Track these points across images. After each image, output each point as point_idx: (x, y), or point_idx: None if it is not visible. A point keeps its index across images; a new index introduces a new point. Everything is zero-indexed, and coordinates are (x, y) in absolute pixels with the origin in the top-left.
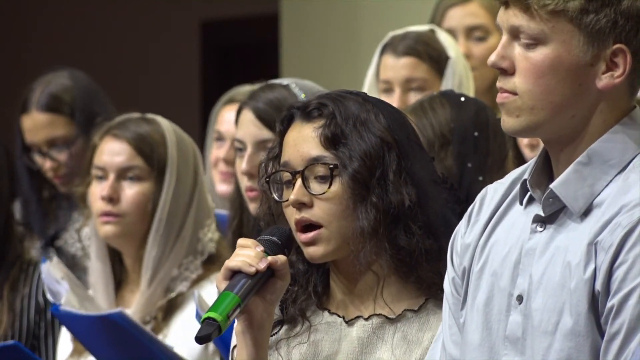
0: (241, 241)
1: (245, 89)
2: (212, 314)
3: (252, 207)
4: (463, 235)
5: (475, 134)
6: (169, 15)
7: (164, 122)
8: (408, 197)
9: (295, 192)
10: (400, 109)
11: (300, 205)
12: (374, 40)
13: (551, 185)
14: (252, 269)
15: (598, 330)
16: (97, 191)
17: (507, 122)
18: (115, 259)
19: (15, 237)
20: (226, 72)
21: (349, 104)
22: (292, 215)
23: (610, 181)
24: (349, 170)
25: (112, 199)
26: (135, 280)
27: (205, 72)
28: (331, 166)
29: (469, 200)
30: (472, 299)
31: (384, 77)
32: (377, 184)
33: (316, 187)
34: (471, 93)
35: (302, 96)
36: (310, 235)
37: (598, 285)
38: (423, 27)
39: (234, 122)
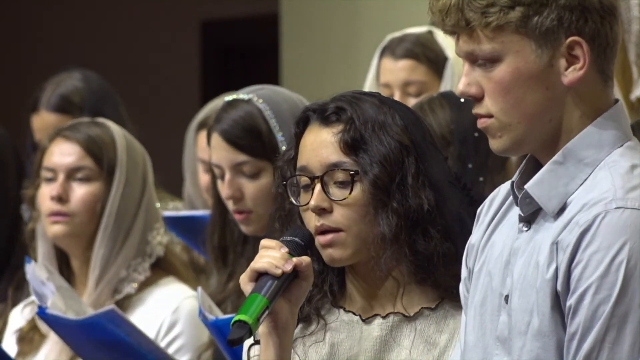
0: (265, 242)
1: (215, 108)
2: (242, 317)
3: (243, 228)
4: (472, 235)
5: (476, 134)
6: (169, 15)
7: (114, 127)
8: (427, 201)
9: (315, 198)
10: None
11: (320, 211)
12: (374, 40)
13: (526, 186)
14: (279, 271)
15: (563, 330)
16: (47, 192)
17: (494, 144)
18: (62, 262)
19: (22, 238)
20: (226, 72)
21: (366, 106)
22: (311, 220)
23: (585, 180)
24: (369, 176)
25: (62, 198)
26: (82, 282)
27: (205, 72)
28: (352, 172)
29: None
30: (471, 299)
31: (384, 80)
32: (397, 189)
33: (336, 192)
34: None
35: (267, 108)
36: (328, 237)
37: (559, 285)
38: (421, 29)
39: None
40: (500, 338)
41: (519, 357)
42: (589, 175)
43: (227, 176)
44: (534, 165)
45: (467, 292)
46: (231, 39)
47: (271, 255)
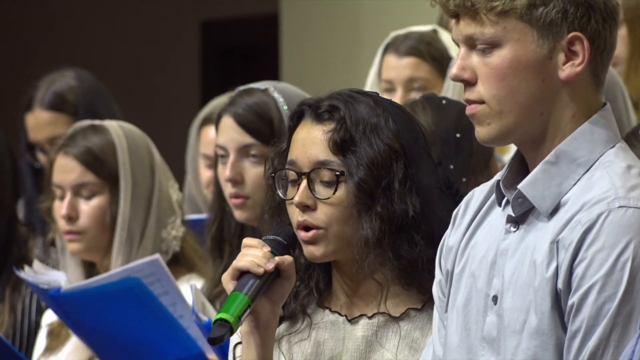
0: (247, 241)
1: (220, 104)
2: (224, 315)
3: (237, 213)
4: (448, 238)
5: (458, 135)
6: (169, 15)
7: (113, 128)
8: (412, 207)
9: (300, 195)
10: None
11: (304, 208)
12: (374, 40)
13: (519, 186)
14: (261, 270)
15: (562, 328)
16: (58, 209)
17: (480, 132)
18: (91, 266)
19: (19, 238)
20: (226, 72)
21: (360, 107)
22: (295, 215)
23: (578, 180)
24: (354, 178)
25: (71, 217)
26: None
27: (205, 72)
28: (337, 173)
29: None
30: (452, 300)
31: (386, 76)
32: (383, 194)
33: (321, 190)
34: None
35: (282, 100)
36: (310, 234)
37: (560, 284)
38: (426, 27)
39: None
40: (487, 338)
41: (514, 356)
42: (582, 175)
43: (231, 158)
44: (519, 164)
45: (442, 295)
46: (231, 39)
47: (253, 254)
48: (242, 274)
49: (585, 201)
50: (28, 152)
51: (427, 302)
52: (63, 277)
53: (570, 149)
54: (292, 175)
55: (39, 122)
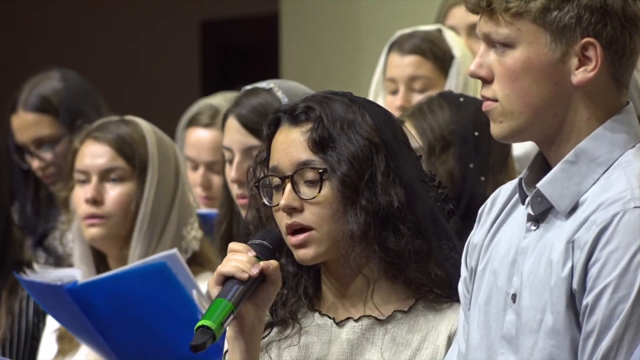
0: (233, 246)
1: (205, 105)
2: (206, 322)
3: (244, 214)
4: (473, 235)
5: (476, 134)
6: (169, 15)
7: (143, 123)
8: (397, 198)
9: (286, 198)
10: (399, 113)
11: (290, 210)
12: (374, 40)
13: (538, 185)
14: (245, 275)
15: (578, 328)
16: (81, 194)
17: (494, 128)
18: (100, 262)
19: (15, 241)
20: (226, 72)
21: (336, 105)
22: (283, 220)
23: (597, 179)
24: (337, 174)
25: (96, 201)
26: None
27: (205, 72)
28: (320, 171)
29: (472, 200)
30: (475, 298)
31: (390, 75)
32: (366, 187)
33: (306, 191)
34: (478, 93)
35: (286, 99)
36: (300, 237)
37: (575, 284)
38: (431, 27)
39: (200, 144)
40: (506, 337)
41: (531, 355)
42: (601, 175)
43: (237, 159)
44: (542, 163)
45: (467, 292)
46: (231, 39)
47: (238, 259)
48: (226, 279)
49: (601, 201)
50: (16, 154)
51: (413, 305)
52: (78, 272)
53: (590, 148)
54: (275, 180)
55: (23, 123)
